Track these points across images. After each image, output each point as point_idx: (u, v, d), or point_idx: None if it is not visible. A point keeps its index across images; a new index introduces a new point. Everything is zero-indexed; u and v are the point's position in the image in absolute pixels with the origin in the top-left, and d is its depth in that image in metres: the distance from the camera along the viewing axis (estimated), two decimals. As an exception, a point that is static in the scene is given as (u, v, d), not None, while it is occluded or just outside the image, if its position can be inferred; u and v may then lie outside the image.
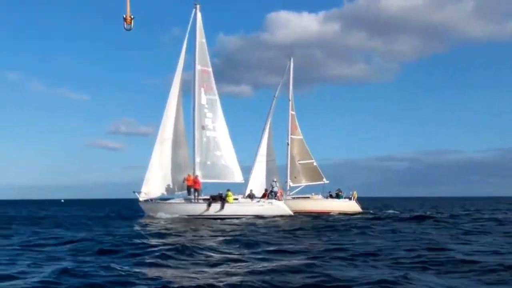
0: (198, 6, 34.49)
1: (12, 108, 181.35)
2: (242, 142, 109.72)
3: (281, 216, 32.02)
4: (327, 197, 38.91)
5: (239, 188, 35.11)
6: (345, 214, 36.17)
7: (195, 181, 33.02)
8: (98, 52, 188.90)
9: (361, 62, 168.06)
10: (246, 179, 36.94)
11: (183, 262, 11.77)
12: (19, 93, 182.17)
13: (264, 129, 39.42)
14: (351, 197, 38.89)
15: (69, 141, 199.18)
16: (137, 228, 23.42)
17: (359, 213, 37.23)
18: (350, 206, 38.48)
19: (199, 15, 34.50)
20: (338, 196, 38.85)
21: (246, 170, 38.09)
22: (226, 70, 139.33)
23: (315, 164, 40.59)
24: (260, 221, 28.23)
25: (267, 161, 38.71)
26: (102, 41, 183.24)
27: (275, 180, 35.25)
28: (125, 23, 20.98)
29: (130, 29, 20.60)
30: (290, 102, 40.51)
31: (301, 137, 41.11)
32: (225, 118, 35.17)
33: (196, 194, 32.83)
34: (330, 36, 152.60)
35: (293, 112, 40.96)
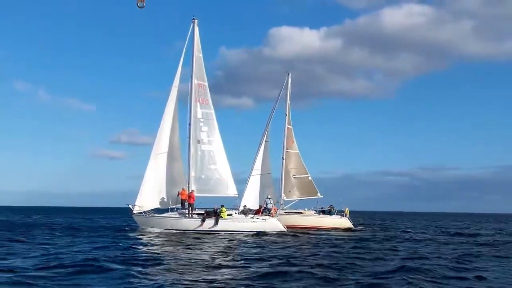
0: (196, 21, 34.58)
1: (18, 117, 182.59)
2: (242, 154, 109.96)
3: (274, 232, 32.13)
4: (319, 213, 38.94)
5: (234, 202, 35.13)
6: (337, 230, 36.71)
7: (190, 195, 32.99)
8: (105, 63, 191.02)
9: (362, 78, 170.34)
10: (241, 192, 36.99)
11: None
12: (26, 102, 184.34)
13: (260, 143, 39.46)
14: (343, 214, 38.92)
15: (74, 150, 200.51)
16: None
17: (350, 230, 37.69)
18: (342, 222, 38.66)
19: (196, 29, 34.60)
20: (330, 212, 38.93)
21: (243, 182, 38.46)
22: (228, 83, 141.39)
23: (310, 178, 40.68)
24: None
25: (262, 175, 38.70)
26: (109, 52, 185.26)
27: (269, 196, 35.35)
28: (138, 0, 20.22)
29: (143, 7, 19.79)
30: (287, 117, 40.60)
31: (297, 151, 41.18)
32: (222, 131, 35.35)
33: (190, 209, 32.82)
34: (331, 52, 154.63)
35: (290, 126, 41.05)
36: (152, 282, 12.24)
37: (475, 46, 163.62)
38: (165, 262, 16.23)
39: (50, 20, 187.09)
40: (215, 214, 32.22)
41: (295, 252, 20.72)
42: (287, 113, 40.60)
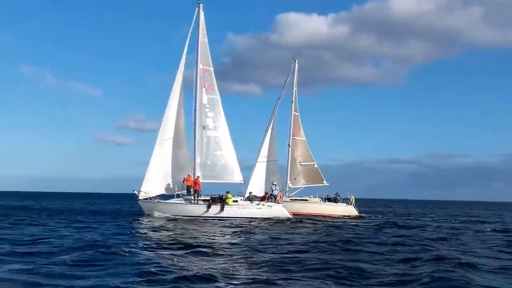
0: (201, 5, 34.32)
1: (25, 101, 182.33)
2: (249, 141, 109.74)
3: (280, 218, 31.99)
4: (324, 201, 38.73)
5: (239, 188, 35.03)
6: (342, 217, 36.60)
7: (196, 182, 32.89)
8: (112, 46, 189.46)
9: (370, 65, 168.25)
10: (247, 179, 36.88)
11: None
12: (32, 86, 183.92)
13: (267, 130, 39.17)
14: (348, 201, 38.70)
15: (81, 135, 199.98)
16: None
17: (355, 217, 37.50)
18: (347, 210, 38.41)
19: (202, 14, 34.30)
20: (335, 200, 38.69)
21: (250, 169, 38.36)
22: (235, 70, 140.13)
23: (316, 166, 40.36)
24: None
25: (268, 162, 38.46)
26: (117, 36, 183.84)
27: (275, 183, 35.12)
28: None
29: None
30: (293, 104, 40.22)
31: (304, 138, 40.84)
32: (228, 118, 35.24)
33: (196, 195, 32.74)
34: (339, 38, 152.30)
35: (297, 113, 40.68)
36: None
37: (484, 33, 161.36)
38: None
39: (55, 4, 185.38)
40: (221, 200, 32.09)
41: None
42: (293, 100, 40.21)
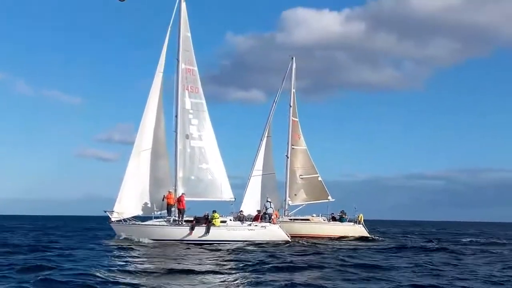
0: (183, -4, 29.90)
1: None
2: (252, 155, 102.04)
3: (276, 242, 27.38)
4: (329, 220, 33.96)
5: (230, 207, 30.55)
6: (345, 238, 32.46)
7: (180, 199, 28.52)
8: (92, 50, 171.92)
9: (389, 67, 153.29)
10: (241, 196, 32.50)
11: None
12: (2, 94, 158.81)
13: (261, 139, 34.78)
14: (356, 220, 33.76)
15: (57, 149, 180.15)
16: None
17: (365, 238, 32.97)
18: (355, 230, 33.58)
19: (183, 5, 29.95)
20: (341, 219, 33.91)
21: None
22: (235, 74, 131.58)
23: (320, 179, 35.82)
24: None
25: (264, 175, 34.11)
26: (97, 38, 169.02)
27: (269, 200, 30.44)
28: None
29: (123, 0, 15.68)
30: (292, 108, 35.71)
31: (305, 147, 36.26)
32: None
33: (180, 215, 28.32)
34: (353, 37, 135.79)
35: (296, 119, 36.13)
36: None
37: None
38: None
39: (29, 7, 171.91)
40: (206, 221, 27.56)
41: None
42: (291, 104, 35.70)
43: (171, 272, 15.18)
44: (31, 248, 22.96)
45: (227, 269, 16.31)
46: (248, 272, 15.54)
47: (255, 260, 18.68)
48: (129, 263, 17.45)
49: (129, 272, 14.97)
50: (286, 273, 15.45)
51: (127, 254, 21.26)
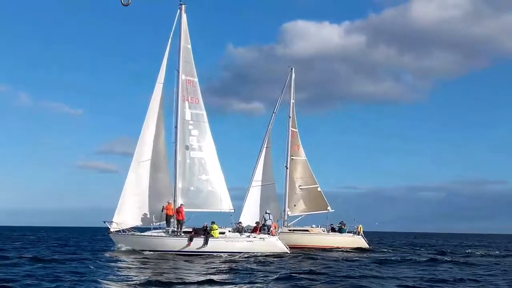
0: (183, 7, 30.05)
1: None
2: (250, 165, 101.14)
3: (275, 253, 27.32)
4: (328, 231, 33.93)
5: (229, 218, 30.40)
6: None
7: (179, 210, 28.47)
8: (94, 62, 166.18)
9: (389, 79, 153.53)
10: (239, 207, 32.50)
11: None
12: (3, 107, 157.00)
13: (261, 150, 34.82)
14: (355, 231, 33.73)
15: (58, 161, 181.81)
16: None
17: (364, 250, 32.93)
18: (355, 241, 33.49)
19: (184, 16, 30.08)
20: (340, 230, 33.87)
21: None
22: (236, 86, 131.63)
23: (319, 189, 35.83)
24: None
25: (263, 186, 34.04)
26: (99, 50, 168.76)
27: (268, 211, 30.46)
28: None
29: (128, 4, 15.70)
30: (291, 119, 35.79)
31: (304, 158, 36.30)
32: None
33: (180, 226, 28.29)
34: (353, 49, 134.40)
35: (295, 130, 36.19)
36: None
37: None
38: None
39: (33, 12, 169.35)
40: (205, 232, 27.51)
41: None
42: (290, 115, 35.78)
43: (167, 284, 15.17)
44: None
45: (222, 280, 16.38)
46: (244, 283, 15.60)
47: (249, 271, 18.78)
48: (126, 274, 17.51)
49: (126, 282, 15.05)
50: (280, 284, 15.52)
51: (124, 265, 21.30)
